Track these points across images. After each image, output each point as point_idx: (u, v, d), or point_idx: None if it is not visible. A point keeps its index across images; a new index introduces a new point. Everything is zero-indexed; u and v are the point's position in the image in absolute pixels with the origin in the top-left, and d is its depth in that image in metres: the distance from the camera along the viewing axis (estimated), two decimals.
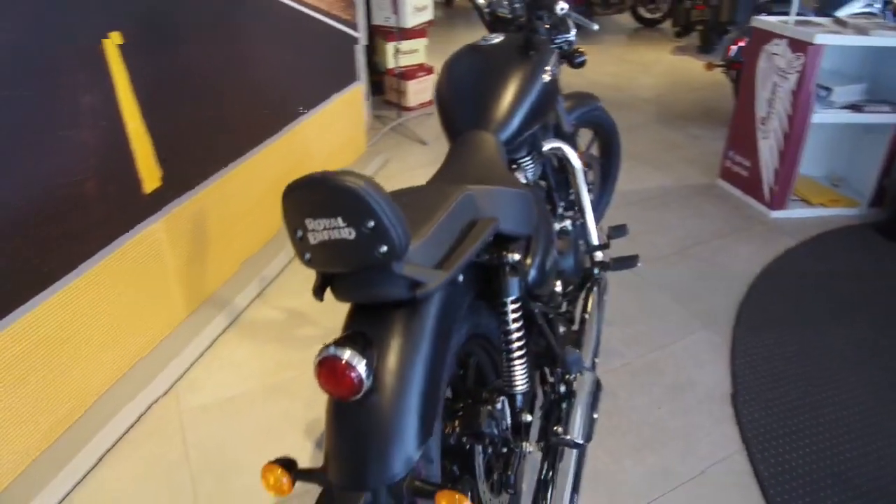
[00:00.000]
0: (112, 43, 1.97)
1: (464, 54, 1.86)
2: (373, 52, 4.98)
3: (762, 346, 2.50)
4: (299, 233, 1.03)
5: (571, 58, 2.08)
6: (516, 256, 1.36)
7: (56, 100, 1.82)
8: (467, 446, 1.38)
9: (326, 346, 1.03)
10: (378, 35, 4.91)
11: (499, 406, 1.37)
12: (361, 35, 3.99)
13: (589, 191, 2.56)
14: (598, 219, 2.83)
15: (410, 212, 1.21)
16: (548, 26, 1.97)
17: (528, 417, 1.43)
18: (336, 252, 1.06)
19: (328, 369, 1.01)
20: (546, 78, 1.80)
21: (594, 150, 2.74)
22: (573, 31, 2.08)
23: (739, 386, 2.27)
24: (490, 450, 1.39)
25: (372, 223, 0.99)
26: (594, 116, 2.56)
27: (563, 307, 1.98)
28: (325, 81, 3.59)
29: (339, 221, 1.02)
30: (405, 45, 4.76)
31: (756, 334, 2.56)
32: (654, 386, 2.28)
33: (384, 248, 1.01)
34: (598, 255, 2.19)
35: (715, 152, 4.38)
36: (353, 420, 1.07)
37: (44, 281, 1.86)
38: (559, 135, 2.16)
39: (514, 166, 1.81)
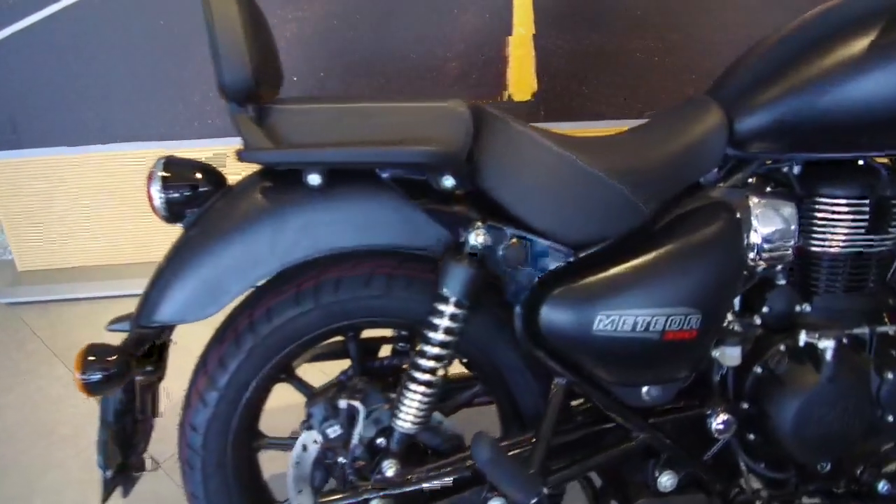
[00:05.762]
0: None
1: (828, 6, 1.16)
2: None
3: None
4: None
5: None
6: (480, 239, 0.90)
7: None
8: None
9: (165, 158, 0.98)
10: None
11: (342, 402, 1.00)
12: None
13: None
14: None
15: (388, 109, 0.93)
16: None
17: (390, 471, 0.99)
18: None
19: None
20: None
21: None
22: None
23: None
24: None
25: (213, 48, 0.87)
26: None
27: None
28: None
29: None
30: None
31: None
32: None
33: (219, 81, 0.87)
34: None
35: None
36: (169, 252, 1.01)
37: None
38: None
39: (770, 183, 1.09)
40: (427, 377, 0.94)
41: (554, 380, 0.99)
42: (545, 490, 0.92)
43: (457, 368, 1.20)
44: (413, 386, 0.94)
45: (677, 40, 2.35)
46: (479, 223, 0.90)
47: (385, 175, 0.92)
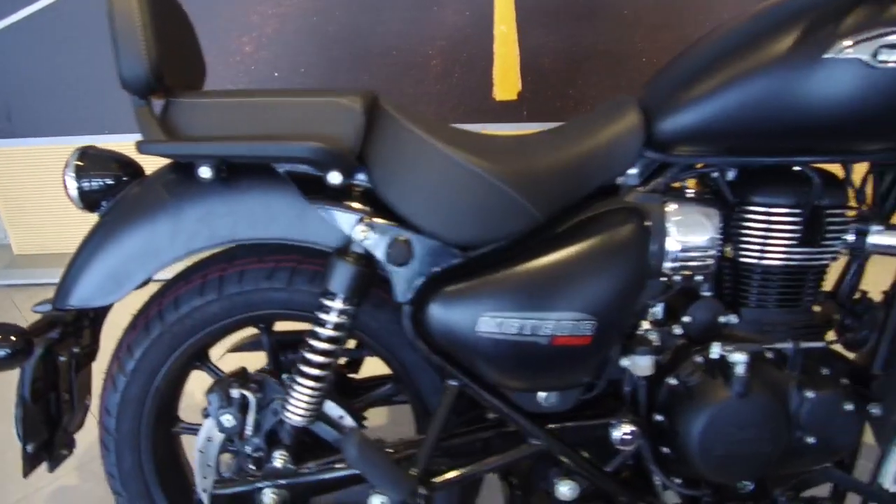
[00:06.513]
0: None
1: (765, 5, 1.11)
2: None
3: None
4: None
5: None
6: (361, 236, 0.90)
7: None
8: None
9: (82, 148, 1.01)
10: None
11: (236, 390, 1.01)
12: None
13: None
14: None
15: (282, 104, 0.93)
16: None
17: (278, 462, 1.00)
18: None
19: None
20: (848, 55, 0.89)
21: None
22: None
23: None
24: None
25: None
26: None
27: None
28: None
29: None
30: None
31: None
32: None
33: (119, 74, 0.90)
34: None
35: None
36: (83, 239, 1.04)
37: None
38: None
39: (691, 190, 1.05)
40: (315, 371, 0.95)
41: (446, 380, 0.99)
42: (422, 490, 0.91)
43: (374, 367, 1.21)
44: (301, 380, 0.95)
45: (669, 40, 2.31)
46: (364, 220, 0.90)
47: (282, 170, 0.93)
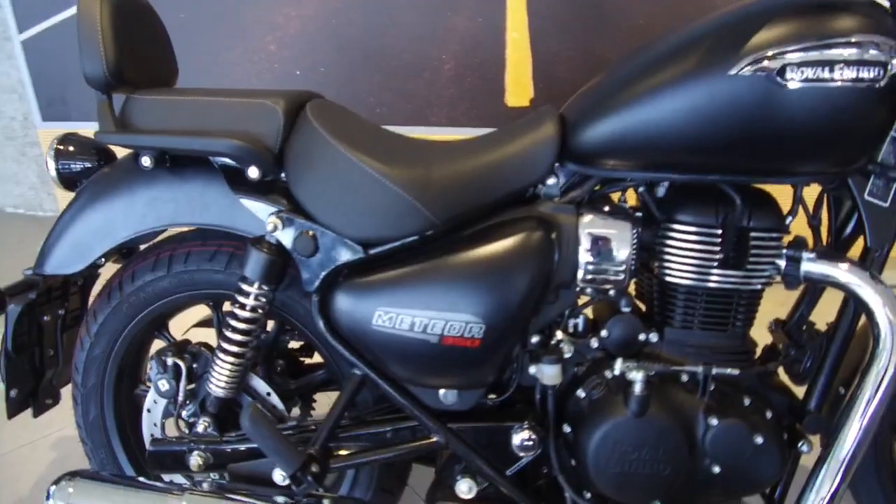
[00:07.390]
0: None
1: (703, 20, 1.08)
2: None
3: None
4: None
5: None
6: (270, 227, 0.98)
7: None
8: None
9: (63, 135, 1.16)
10: None
11: (171, 359, 1.12)
12: None
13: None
14: None
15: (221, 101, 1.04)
16: None
17: (201, 428, 1.10)
18: None
19: None
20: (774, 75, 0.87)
21: None
22: None
23: None
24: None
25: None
26: None
27: None
28: None
29: None
30: None
31: None
32: None
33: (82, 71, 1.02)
34: None
35: None
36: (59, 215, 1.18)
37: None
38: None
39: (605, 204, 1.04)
40: (234, 348, 1.04)
41: (351, 369, 1.04)
42: (315, 468, 0.97)
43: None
44: (222, 355, 1.05)
45: None
46: (278, 213, 0.98)
47: (219, 163, 1.03)
